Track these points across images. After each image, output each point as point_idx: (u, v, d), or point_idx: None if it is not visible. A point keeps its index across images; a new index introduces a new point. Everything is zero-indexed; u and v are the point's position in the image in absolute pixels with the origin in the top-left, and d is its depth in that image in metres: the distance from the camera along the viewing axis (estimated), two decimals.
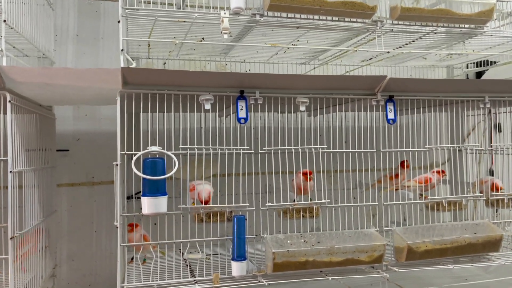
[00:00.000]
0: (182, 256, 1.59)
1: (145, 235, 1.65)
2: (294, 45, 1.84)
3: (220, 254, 1.70)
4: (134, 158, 1.38)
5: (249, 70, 2.24)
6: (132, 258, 1.67)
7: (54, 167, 1.88)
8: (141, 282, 1.46)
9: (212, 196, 1.54)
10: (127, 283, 1.44)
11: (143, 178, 1.37)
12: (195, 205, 1.53)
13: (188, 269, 1.61)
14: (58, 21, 2.10)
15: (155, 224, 1.68)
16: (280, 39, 1.81)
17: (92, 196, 2.13)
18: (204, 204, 1.50)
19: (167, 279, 1.47)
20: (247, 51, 2.04)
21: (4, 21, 1.32)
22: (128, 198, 1.67)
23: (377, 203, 1.67)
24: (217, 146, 1.53)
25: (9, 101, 1.31)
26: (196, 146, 1.50)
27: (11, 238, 1.29)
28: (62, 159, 2.06)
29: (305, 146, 1.59)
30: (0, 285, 1.35)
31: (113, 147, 2.04)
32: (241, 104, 1.54)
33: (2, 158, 1.30)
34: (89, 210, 2.12)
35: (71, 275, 2.08)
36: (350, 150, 1.65)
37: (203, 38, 1.76)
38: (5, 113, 1.32)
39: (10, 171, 1.30)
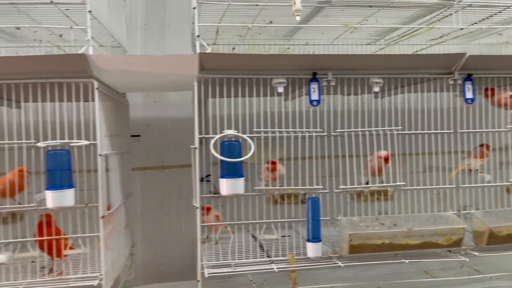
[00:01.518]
0: (256, 237, 1.62)
1: (218, 215, 1.70)
2: (364, 25, 1.80)
3: (290, 236, 1.72)
4: (212, 141, 1.41)
5: (313, 53, 2.21)
6: (207, 237, 1.73)
7: (130, 151, 1.97)
8: (220, 260, 1.51)
9: (284, 179, 1.56)
10: (207, 261, 1.50)
11: (221, 161, 1.41)
12: (269, 187, 1.56)
13: (264, 250, 1.64)
14: (127, 10, 2.17)
15: (222, 206, 1.73)
16: (346, 20, 1.77)
17: (163, 180, 2.21)
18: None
19: (245, 259, 1.51)
20: (311, 34, 2.01)
21: (90, 11, 1.38)
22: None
23: (454, 186, 1.62)
24: (290, 129, 1.53)
25: (97, 88, 1.38)
26: (270, 130, 1.51)
27: (102, 217, 1.37)
28: (134, 144, 2.15)
29: (380, 128, 1.56)
30: (92, 261, 1.44)
31: (181, 133, 2.11)
32: (314, 86, 1.53)
33: (92, 142, 1.37)
34: (160, 193, 2.21)
35: (146, 254, 2.19)
36: (426, 132, 1.60)
37: (270, 22, 1.76)
38: (93, 100, 1.39)
39: (100, 154, 1.38)
